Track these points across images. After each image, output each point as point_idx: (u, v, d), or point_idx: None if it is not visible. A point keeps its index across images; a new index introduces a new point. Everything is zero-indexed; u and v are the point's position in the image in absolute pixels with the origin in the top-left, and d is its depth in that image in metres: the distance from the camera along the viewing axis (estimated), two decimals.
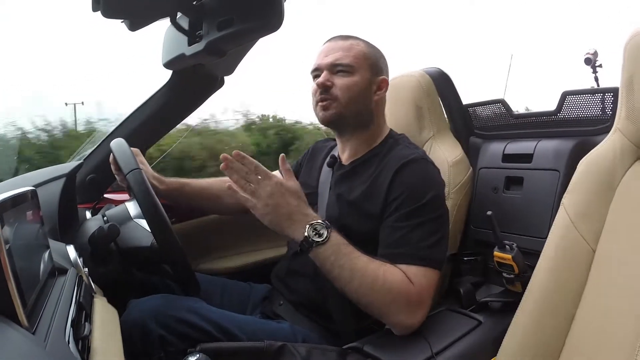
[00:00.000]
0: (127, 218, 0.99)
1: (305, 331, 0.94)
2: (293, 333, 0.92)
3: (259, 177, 0.83)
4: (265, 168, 0.84)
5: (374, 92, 1.01)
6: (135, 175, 0.88)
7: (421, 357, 0.80)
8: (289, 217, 0.82)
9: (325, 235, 0.82)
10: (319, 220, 0.83)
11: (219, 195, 1.17)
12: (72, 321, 0.55)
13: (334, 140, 1.12)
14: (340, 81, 0.97)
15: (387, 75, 1.05)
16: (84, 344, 0.54)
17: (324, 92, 0.98)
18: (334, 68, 0.98)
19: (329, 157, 1.08)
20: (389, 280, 0.82)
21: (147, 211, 0.85)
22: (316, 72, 1.01)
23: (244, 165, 0.83)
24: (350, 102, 0.98)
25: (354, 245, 0.84)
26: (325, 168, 1.08)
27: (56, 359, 0.46)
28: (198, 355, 0.68)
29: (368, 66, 0.99)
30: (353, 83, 0.97)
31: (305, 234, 0.82)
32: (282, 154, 0.88)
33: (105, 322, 0.63)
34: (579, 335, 0.77)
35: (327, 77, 0.98)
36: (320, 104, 0.99)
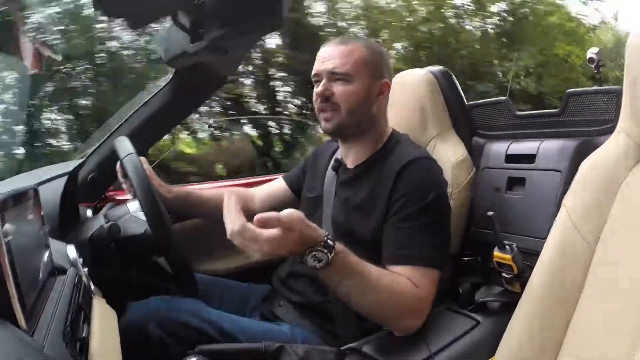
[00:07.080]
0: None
1: (305, 333, 0.95)
2: (293, 335, 0.92)
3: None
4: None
5: (375, 97, 0.99)
6: (131, 158, 0.89)
7: (419, 357, 0.80)
8: (288, 252, 0.71)
9: (324, 261, 0.72)
10: (322, 242, 0.72)
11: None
12: (70, 322, 0.55)
13: (336, 141, 1.11)
14: (339, 89, 0.95)
15: (390, 77, 1.03)
16: (82, 346, 0.54)
17: (324, 101, 0.96)
18: (333, 76, 0.95)
19: (332, 161, 1.07)
20: (400, 291, 0.81)
21: (143, 198, 0.84)
22: (316, 78, 0.99)
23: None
24: (351, 111, 0.96)
25: (360, 256, 0.78)
26: (329, 172, 1.07)
27: None
28: (196, 357, 0.69)
29: (368, 72, 0.97)
30: (353, 91, 0.95)
31: (303, 260, 0.72)
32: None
33: (103, 323, 0.63)
34: (577, 336, 0.77)
35: (325, 85, 0.96)
36: (322, 114, 0.98)
